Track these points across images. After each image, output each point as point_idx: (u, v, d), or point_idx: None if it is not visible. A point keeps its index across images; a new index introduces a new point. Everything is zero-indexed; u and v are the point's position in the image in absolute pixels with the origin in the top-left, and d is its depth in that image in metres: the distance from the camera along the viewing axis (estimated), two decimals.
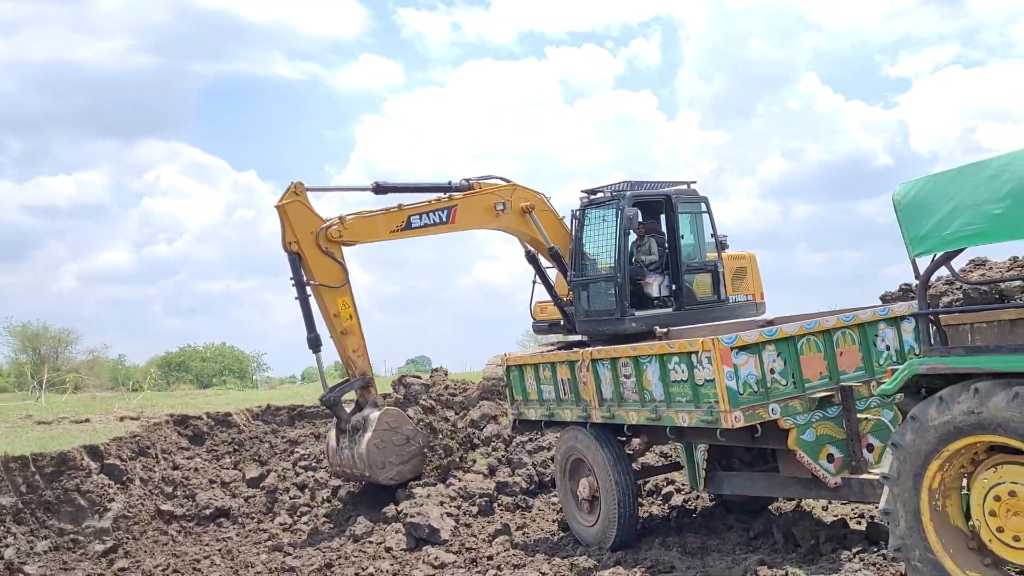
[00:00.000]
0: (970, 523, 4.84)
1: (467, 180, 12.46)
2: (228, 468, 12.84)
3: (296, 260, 11.01)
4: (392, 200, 11.84)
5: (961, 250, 4.99)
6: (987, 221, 4.59)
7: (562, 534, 9.08)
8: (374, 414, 10.93)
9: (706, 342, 6.49)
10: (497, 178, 12.85)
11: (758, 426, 6.39)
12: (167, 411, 14.09)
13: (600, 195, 12.94)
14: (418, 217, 11.79)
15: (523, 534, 9.35)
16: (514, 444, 11.55)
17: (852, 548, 6.52)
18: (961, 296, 8.72)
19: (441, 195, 12.13)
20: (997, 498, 4.54)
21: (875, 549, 6.41)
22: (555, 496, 10.39)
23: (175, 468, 12.34)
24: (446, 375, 15.02)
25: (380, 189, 11.91)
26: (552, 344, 14.90)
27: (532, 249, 13.34)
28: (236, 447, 13.55)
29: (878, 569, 6.05)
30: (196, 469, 12.43)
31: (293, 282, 11.07)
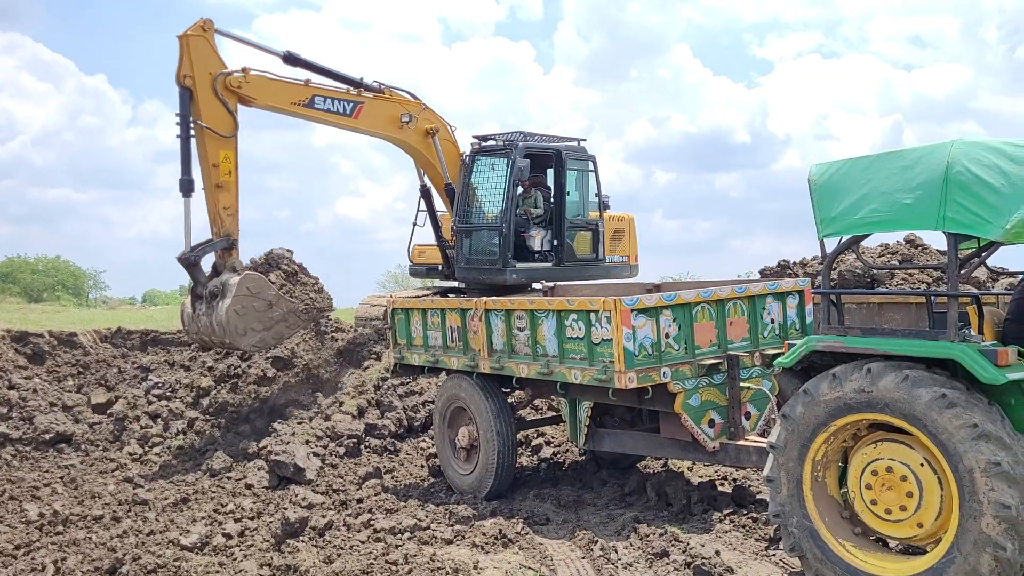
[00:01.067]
0: (842, 491, 5.13)
1: (379, 84, 11.97)
2: (71, 391, 11.98)
3: (187, 96, 10.29)
4: (301, 78, 11.21)
5: (868, 235, 5.19)
6: (897, 210, 4.78)
7: (432, 480, 9.04)
8: (234, 279, 10.34)
9: (607, 302, 6.53)
10: (408, 93, 12.42)
11: (649, 388, 6.51)
12: (2, 325, 12.93)
13: (492, 143, 12.80)
14: (323, 100, 11.22)
15: (392, 478, 9.24)
16: (385, 387, 11.38)
17: (722, 509, 6.82)
18: (836, 278, 9.24)
19: (351, 89, 11.60)
20: (874, 472, 4.81)
21: (744, 512, 6.73)
22: (424, 441, 10.34)
23: (11, 388, 11.38)
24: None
25: (290, 59, 11.13)
26: (428, 289, 14.68)
27: (427, 183, 12.94)
28: (81, 370, 12.65)
29: (747, 531, 6.35)
30: (35, 390, 11.51)
31: (179, 119, 10.35)
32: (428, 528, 6.74)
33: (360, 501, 8.15)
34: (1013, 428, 4.48)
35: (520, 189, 11.89)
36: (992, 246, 4.90)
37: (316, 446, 9.85)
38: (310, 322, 10.70)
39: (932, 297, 5.62)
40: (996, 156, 4.46)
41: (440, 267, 13.55)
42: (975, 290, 6.79)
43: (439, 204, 13.38)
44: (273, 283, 11.07)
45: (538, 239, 12.41)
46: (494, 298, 8.02)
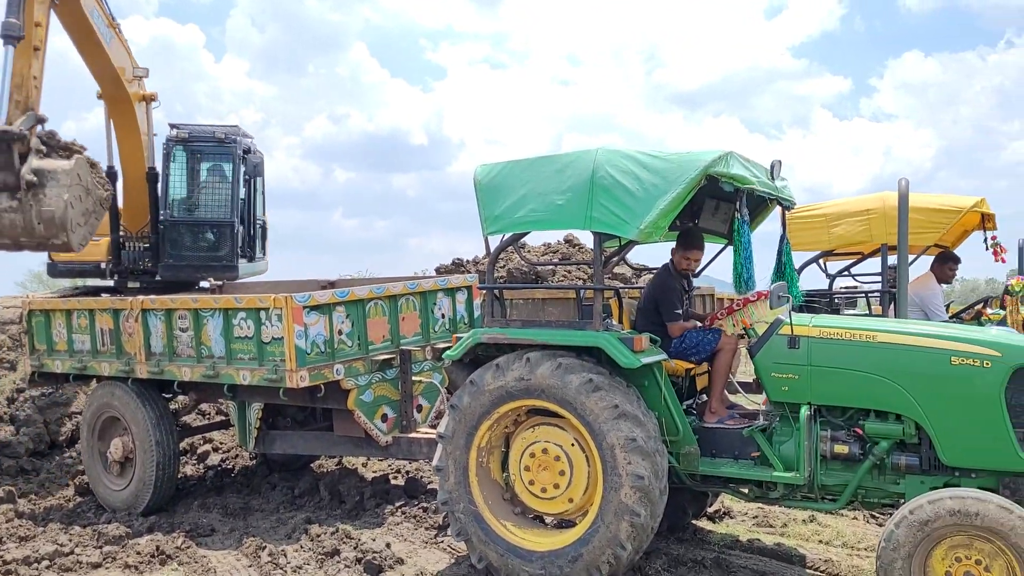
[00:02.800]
0: (505, 475, 5.43)
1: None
2: None
3: None
4: None
5: (527, 233, 5.53)
6: (551, 210, 5.14)
7: (81, 500, 8.10)
8: (64, 164, 8.38)
9: (278, 299, 6.29)
10: None
11: (321, 386, 6.38)
12: None
13: (204, 134, 12.05)
14: (99, 16, 9.64)
15: (30, 502, 8.11)
16: (21, 399, 9.99)
17: (395, 502, 6.89)
18: (505, 274, 9.79)
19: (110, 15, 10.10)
20: (532, 455, 5.14)
21: (415, 502, 6.86)
22: (70, 458, 9.24)
23: None
24: None
25: None
26: (75, 289, 13.17)
27: (115, 165, 11.46)
28: None
29: (418, 521, 6.47)
30: None
31: None
32: (71, 553, 6.01)
33: None
34: (647, 407, 5.03)
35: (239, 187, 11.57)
36: (631, 244, 5.46)
37: None
38: (104, 212, 8.77)
39: (581, 291, 6.15)
40: (632, 164, 4.97)
41: (103, 264, 12.19)
42: (618, 284, 7.53)
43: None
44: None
45: (238, 236, 11.96)
46: (152, 297, 7.38)
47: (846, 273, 9.14)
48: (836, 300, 8.82)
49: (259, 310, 6.39)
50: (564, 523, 5.55)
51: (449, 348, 5.63)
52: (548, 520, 5.71)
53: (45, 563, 5.85)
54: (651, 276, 6.01)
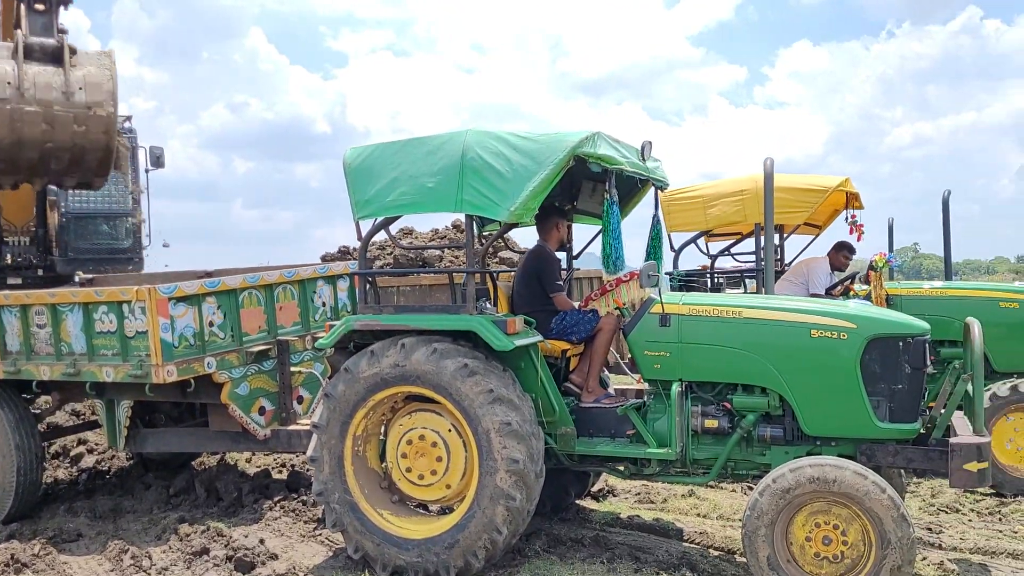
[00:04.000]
0: (383, 465, 5.34)
1: None
2: None
3: None
4: None
5: (399, 216, 5.42)
6: (421, 193, 5.06)
7: None
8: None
9: (140, 291, 5.98)
10: None
11: (192, 380, 6.12)
12: None
13: None
14: None
15: None
16: None
17: (274, 497, 6.69)
18: (392, 261, 9.63)
19: None
20: (409, 442, 5.07)
21: (295, 496, 6.68)
22: None
23: None
24: None
25: None
26: None
27: None
28: None
29: (297, 515, 6.31)
30: None
31: None
32: None
33: None
34: (523, 390, 5.01)
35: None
36: (506, 227, 5.43)
37: None
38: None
39: (454, 275, 6.08)
40: (502, 145, 4.92)
41: None
42: (500, 268, 7.51)
43: None
44: None
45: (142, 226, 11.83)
46: (6, 292, 6.93)
47: (726, 253, 9.39)
48: (718, 280, 9.04)
49: (121, 303, 6.07)
50: (446, 510, 5.51)
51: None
52: (432, 508, 5.65)
53: None
54: (525, 255, 6.00)
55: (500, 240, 6.20)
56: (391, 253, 9.98)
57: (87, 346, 6.31)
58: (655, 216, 5.95)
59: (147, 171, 11.67)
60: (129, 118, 12.04)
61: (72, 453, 8.76)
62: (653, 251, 5.90)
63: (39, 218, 10.95)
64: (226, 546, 5.49)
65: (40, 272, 11.37)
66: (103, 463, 8.54)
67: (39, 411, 7.74)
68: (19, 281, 11.24)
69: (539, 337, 5.23)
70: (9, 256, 10.95)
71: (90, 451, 8.76)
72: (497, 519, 4.74)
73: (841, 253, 8.29)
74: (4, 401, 6.88)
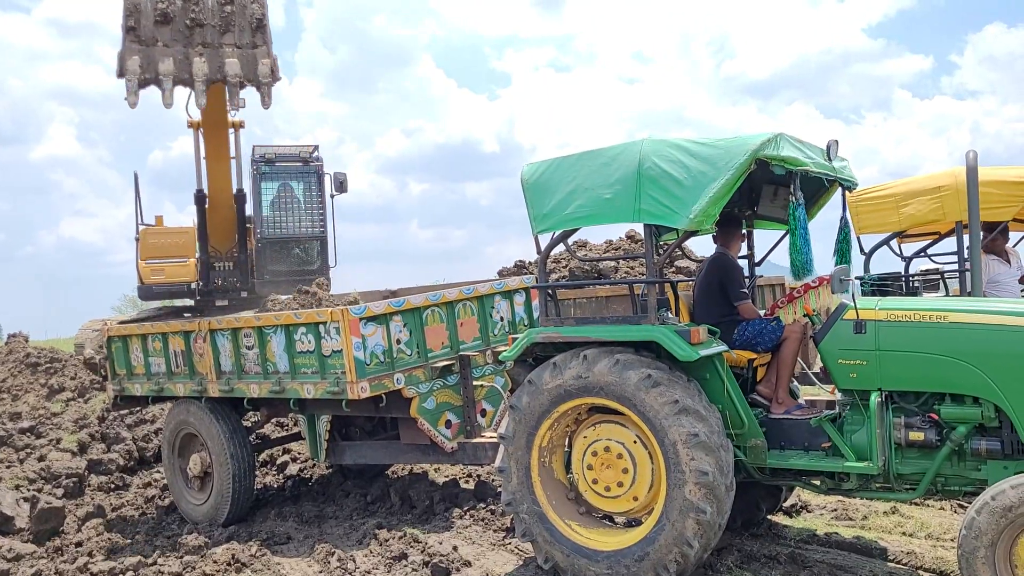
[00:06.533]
0: (569, 476, 5.37)
1: None
2: None
3: None
4: None
5: (577, 229, 5.47)
6: (599, 204, 5.07)
7: (166, 513, 8.37)
8: None
9: (335, 312, 6.38)
10: None
11: (383, 396, 6.43)
12: None
13: (286, 154, 12.77)
14: None
15: (119, 516, 8.44)
16: (111, 418, 10.42)
17: (463, 506, 6.90)
18: (568, 274, 9.73)
19: None
20: (595, 453, 5.07)
21: (483, 505, 6.85)
22: (157, 473, 9.57)
23: None
24: (26, 341, 13.09)
25: None
26: (154, 311, 13.72)
27: (205, 188, 11.94)
28: None
29: (486, 524, 6.47)
30: None
31: None
32: (154, 564, 6.20)
33: (79, 545, 7.36)
34: (709, 401, 4.90)
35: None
36: (684, 235, 5.34)
37: (28, 490, 8.78)
38: None
39: (635, 285, 6.04)
40: (679, 152, 4.86)
41: (193, 284, 12.70)
42: (677, 276, 7.39)
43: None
44: None
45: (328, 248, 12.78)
46: (219, 317, 7.57)
47: (923, 254, 8.76)
48: (914, 283, 8.46)
49: (318, 324, 6.48)
50: (633, 522, 5.47)
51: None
52: (618, 519, 5.62)
53: (129, 574, 6.05)
54: (705, 264, 5.86)
55: (677, 249, 6.11)
56: (566, 266, 10.07)
57: (290, 365, 6.77)
58: (843, 218, 5.64)
59: (332, 196, 12.48)
60: (316, 148, 12.93)
61: (278, 461, 9.44)
62: (843, 255, 5.59)
63: (240, 244, 11.94)
64: (422, 552, 5.72)
65: (244, 294, 12.40)
66: (305, 471, 9.14)
67: (249, 424, 8.40)
68: (226, 303, 12.30)
69: (724, 347, 5.09)
70: (218, 280, 12.04)
71: (294, 460, 9.41)
72: (687, 532, 4.65)
73: None
74: (220, 416, 7.52)
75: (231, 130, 11.82)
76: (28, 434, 10.18)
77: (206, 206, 11.80)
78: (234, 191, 11.98)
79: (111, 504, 8.74)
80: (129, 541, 7.20)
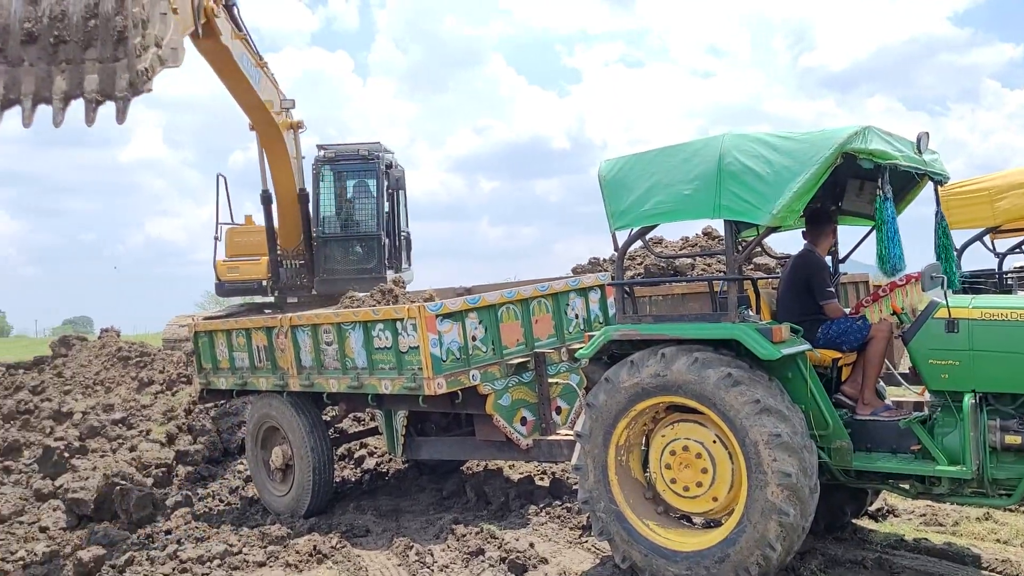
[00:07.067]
0: (645, 474, 5.31)
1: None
2: None
3: None
4: None
5: (655, 226, 5.40)
6: (679, 201, 5.01)
7: (250, 504, 8.62)
8: None
9: (412, 309, 6.46)
10: None
11: (459, 392, 6.48)
12: None
13: (349, 152, 12.95)
14: (248, 60, 10.55)
15: (205, 506, 8.73)
16: (197, 411, 10.77)
17: (539, 503, 6.90)
18: (642, 271, 9.64)
19: (258, 56, 11.03)
20: (673, 452, 5.00)
21: (558, 503, 6.84)
22: (241, 464, 9.85)
23: None
24: (118, 335, 13.64)
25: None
26: (237, 307, 14.15)
27: (270, 188, 12.39)
28: None
29: (563, 521, 6.46)
30: None
31: None
32: (239, 553, 6.40)
33: (168, 532, 7.64)
34: (791, 400, 4.79)
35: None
36: (766, 232, 5.22)
37: (121, 479, 9.15)
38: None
39: (714, 282, 5.94)
40: (762, 147, 4.76)
41: (264, 282, 13.12)
42: (757, 274, 7.25)
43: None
44: None
45: (387, 246, 12.78)
46: (299, 313, 7.74)
47: (1018, 250, 8.39)
48: (1008, 280, 8.12)
49: (395, 321, 6.56)
50: (711, 523, 5.39)
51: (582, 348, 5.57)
52: (695, 520, 5.55)
53: (216, 562, 6.25)
54: (790, 261, 5.72)
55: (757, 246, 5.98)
56: (641, 263, 9.98)
57: (368, 361, 6.88)
58: (938, 213, 5.42)
59: (390, 192, 12.47)
60: (379, 144, 13.01)
61: (355, 455, 9.61)
62: (944, 251, 5.35)
63: (306, 242, 12.25)
64: (499, 548, 5.75)
65: (313, 291, 12.68)
66: (381, 465, 9.28)
67: (327, 418, 8.57)
68: (296, 300, 12.62)
69: (807, 345, 4.97)
70: (284, 277, 12.40)
71: (370, 454, 9.56)
72: (770, 535, 4.55)
73: None
74: (301, 410, 7.69)
75: (288, 131, 12.03)
76: (120, 425, 10.60)
77: (272, 205, 12.18)
78: (297, 191, 12.26)
79: (197, 494, 9.03)
80: (215, 530, 7.43)
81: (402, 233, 13.58)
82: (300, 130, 12.26)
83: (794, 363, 4.87)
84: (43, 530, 8.12)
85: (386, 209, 12.93)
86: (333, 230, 12.77)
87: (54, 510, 8.51)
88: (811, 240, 5.61)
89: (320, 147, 13.16)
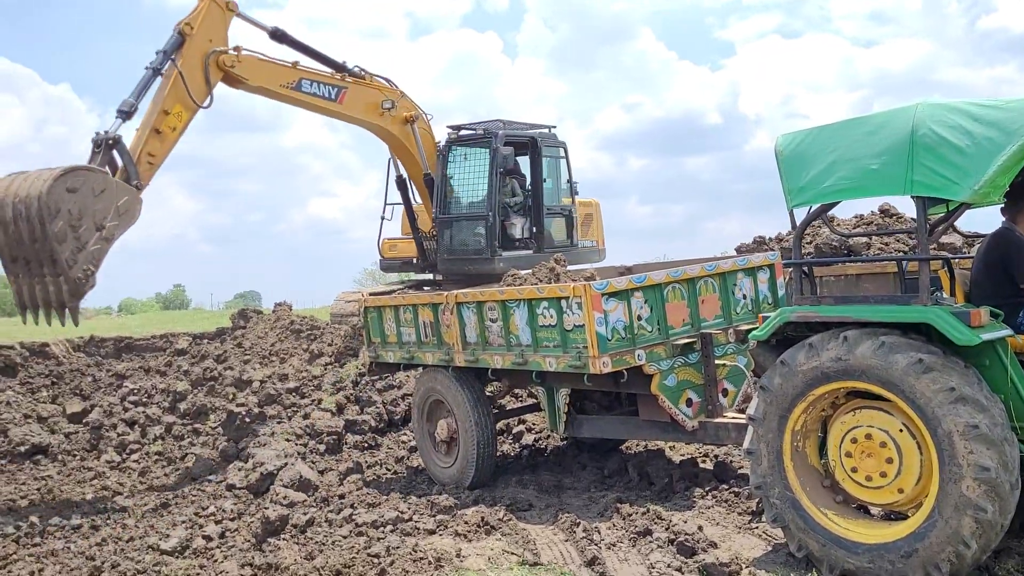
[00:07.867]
0: (823, 461, 5.11)
1: (360, 69, 11.96)
2: (46, 402, 11.76)
3: (177, 42, 9.93)
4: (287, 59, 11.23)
5: (837, 203, 5.16)
6: (864, 176, 4.75)
7: (414, 473, 8.97)
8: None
9: (577, 287, 6.46)
10: (386, 80, 12.42)
11: (624, 371, 6.45)
12: None
13: (469, 132, 12.99)
14: (309, 83, 11.18)
15: (373, 473, 9.16)
16: (363, 383, 11.28)
17: (704, 486, 6.79)
18: (813, 250, 9.25)
19: (334, 72, 11.55)
20: (854, 440, 4.79)
21: (725, 486, 6.71)
22: (404, 435, 10.26)
23: None
24: (290, 310, 14.47)
25: (277, 36, 11.06)
26: (402, 284, 14.68)
27: (403, 174, 12.96)
28: (55, 380, 12.46)
29: (730, 505, 6.33)
30: (8, 403, 11.29)
31: (158, 53, 9.89)
32: (410, 520, 6.67)
33: (342, 497, 8.07)
34: (990, 390, 4.47)
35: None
36: (960, 209, 4.88)
37: (296, 444, 9.75)
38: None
39: (904, 263, 5.62)
40: (961, 117, 4.44)
41: (415, 260, 13.60)
42: (946, 253, 6.80)
43: (415, 197, 13.49)
44: None
45: (519, 226, 12.66)
46: (465, 290, 7.92)
47: None
48: None
49: (560, 299, 6.59)
50: (890, 515, 5.13)
51: (753, 329, 5.42)
52: (875, 511, 5.30)
53: (389, 527, 6.55)
54: (987, 240, 5.32)
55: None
56: (811, 242, 9.56)
57: (532, 338, 6.96)
58: None
59: (499, 172, 12.08)
60: (501, 121, 12.76)
61: (514, 431, 9.80)
62: None
63: (438, 224, 12.55)
64: (667, 529, 5.70)
65: (436, 276, 13.06)
66: (540, 441, 9.41)
67: (489, 393, 8.76)
68: (439, 278, 12.98)
69: (1009, 331, 4.61)
70: (428, 256, 12.79)
71: (529, 430, 9.72)
72: (964, 531, 4.28)
73: None
74: (466, 384, 7.90)
75: (404, 125, 12.30)
76: (294, 394, 11.27)
77: (408, 190, 12.69)
78: (423, 176, 12.56)
79: (366, 462, 9.49)
80: (385, 497, 7.77)
81: (563, 210, 13.23)
82: (413, 123, 12.41)
83: (993, 349, 4.54)
84: (230, 488, 8.76)
85: (516, 189, 12.70)
86: (451, 211, 12.87)
87: (238, 470, 9.15)
88: (1010, 217, 5.19)
89: (449, 128, 13.29)
